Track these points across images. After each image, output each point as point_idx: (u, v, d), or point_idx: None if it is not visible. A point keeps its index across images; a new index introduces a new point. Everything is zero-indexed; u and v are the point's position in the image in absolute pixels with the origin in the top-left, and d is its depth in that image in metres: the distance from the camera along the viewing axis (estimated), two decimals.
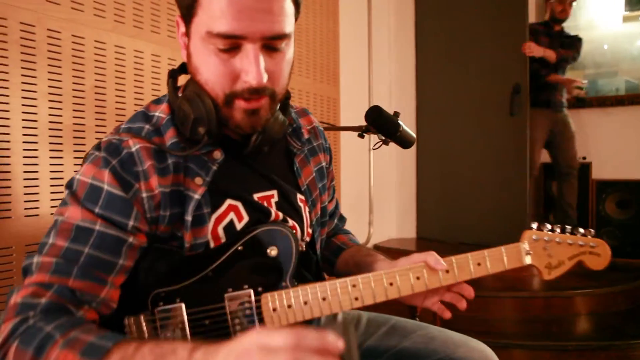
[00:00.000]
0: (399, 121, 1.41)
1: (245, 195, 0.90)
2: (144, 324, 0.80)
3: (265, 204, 0.92)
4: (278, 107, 0.89)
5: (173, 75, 0.90)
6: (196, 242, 0.84)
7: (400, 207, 3.88)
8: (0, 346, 0.67)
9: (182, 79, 0.91)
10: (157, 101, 0.91)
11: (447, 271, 0.92)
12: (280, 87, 0.85)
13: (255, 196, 0.91)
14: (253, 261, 0.85)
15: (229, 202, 0.88)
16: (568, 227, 0.98)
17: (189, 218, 0.82)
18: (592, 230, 0.99)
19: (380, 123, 1.37)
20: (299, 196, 0.99)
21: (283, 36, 0.80)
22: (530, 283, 2.92)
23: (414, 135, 1.46)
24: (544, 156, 3.66)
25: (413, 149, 3.83)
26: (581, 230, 0.98)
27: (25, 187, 1.44)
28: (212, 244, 0.86)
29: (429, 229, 3.82)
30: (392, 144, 1.51)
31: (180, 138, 0.84)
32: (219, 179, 0.87)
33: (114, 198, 0.77)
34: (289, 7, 0.80)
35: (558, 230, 0.98)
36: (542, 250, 0.96)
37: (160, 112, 0.87)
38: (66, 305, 0.71)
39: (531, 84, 3.25)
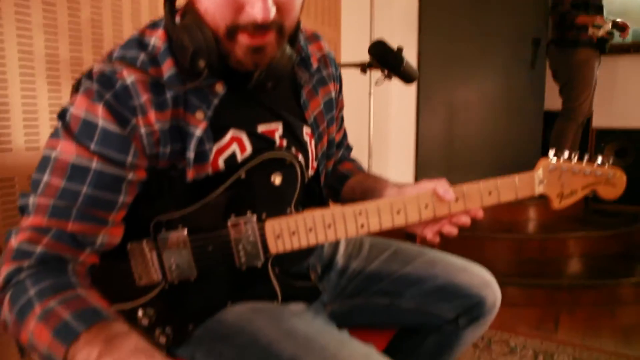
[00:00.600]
0: (402, 55, 1.39)
1: (250, 126, 0.86)
2: (146, 250, 0.79)
3: (269, 136, 0.89)
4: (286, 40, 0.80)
5: None
6: (198, 177, 0.81)
7: (399, 153, 3.89)
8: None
9: (181, 3, 0.84)
10: (153, 26, 0.82)
11: (457, 200, 0.89)
12: (290, 21, 0.77)
13: (260, 128, 0.87)
14: (257, 188, 0.83)
15: (232, 133, 0.83)
16: (585, 155, 0.94)
17: (191, 155, 0.78)
18: (611, 158, 0.95)
19: (383, 57, 1.35)
20: (305, 129, 0.95)
21: None
22: (526, 226, 2.98)
23: (416, 70, 1.44)
24: (547, 103, 3.64)
25: (414, 94, 3.80)
26: (599, 160, 0.94)
27: (24, 119, 1.43)
28: (210, 172, 0.83)
29: (428, 175, 3.85)
30: (394, 81, 1.50)
31: (179, 69, 0.77)
32: (221, 111, 0.81)
33: (109, 134, 0.72)
34: None
35: (575, 159, 0.93)
36: (556, 179, 0.93)
37: (157, 39, 0.79)
38: (63, 255, 0.70)
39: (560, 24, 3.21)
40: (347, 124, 1.20)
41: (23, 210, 0.73)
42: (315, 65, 0.96)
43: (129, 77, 0.74)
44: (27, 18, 1.41)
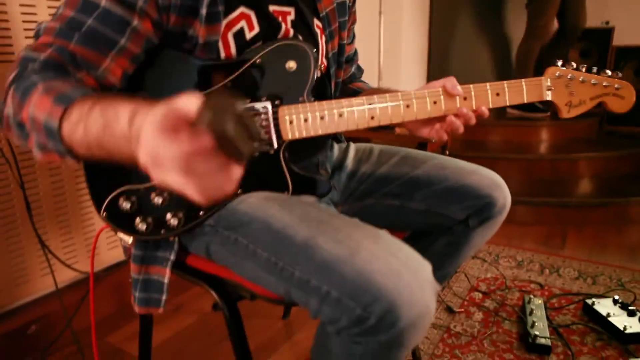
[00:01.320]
0: None
1: (261, 4, 0.86)
2: None
3: (279, 18, 0.89)
4: None
5: None
6: (210, 39, 0.81)
7: (410, 76, 3.80)
8: (6, 91, 0.72)
9: None
10: None
11: (465, 98, 0.90)
12: None
13: (271, 8, 0.87)
14: (271, 74, 0.85)
15: (242, 9, 0.84)
16: (594, 67, 0.96)
17: (203, 11, 0.79)
18: (619, 73, 0.96)
19: None
20: (316, 22, 0.95)
21: None
22: (537, 147, 2.94)
23: None
24: None
25: (427, 12, 3.64)
26: (608, 71, 0.96)
27: (24, 30, 1.39)
28: (221, 50, 0.84)
29: None
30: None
31: None
32: None
33: None
34: None
35: (583, 69, 0.95)
36: (564, 87, 0.95)
37: None
38: (64, 65, 0.72)
39: None
40: (358, 45, 1.17)
41: (36, 35, 0.77)
42: None
43: None
44: None
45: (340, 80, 1.09)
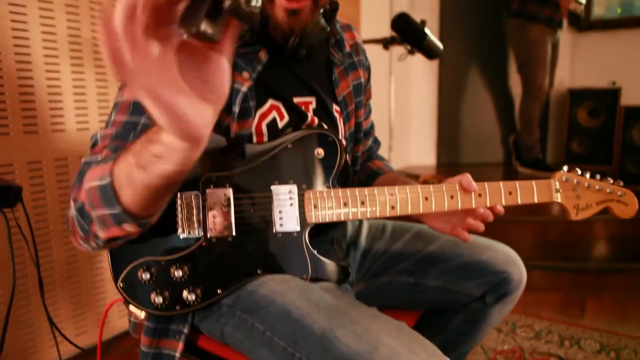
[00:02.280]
0: (425, 29, 1.35)
1: (286, 97, 0.92)
2: (194, 202, 0.84)
3: (303, 108, 0.94)
4: (321, 12, 0.88)
5: None
6: (241, 133, 0.87)
7: (420, 132, 3.86)
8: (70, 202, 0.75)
9: None
10: None
11: (480, 195, 0.93)
12: None
13: (295, 99, 0.93)
14: (300, 159, 0.88)
15: (271, 101, 0.91)
16: (597, 175, 1.01)
17: (236, 109, 0.85)
18: (621, 182, 1.02)
19: (407, 31, 1.32)
20: (335, 106, 1.00)
21: None
22: (550, 209, 2.91)
23: (440, 45, 1.40)
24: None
25: (435, 71, 3.74)
26: (610, 179, 1.02)
27: (49, 102, 1.44)
28: (254, 139, 0.88)
29: (450, 154, 3.85)
30: (415, 59, 1.46)
31: None
32: (262, 78, 0.89)
33: None
34: None
35: (587, 175, 1.00)
36: (571, 191, 0.99)
37: None
38: None
39: None
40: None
41: (94, 144, 0.82)
42: (347, 48, 1.04)
43: None
44: None
45: (359, 154, 1.12)
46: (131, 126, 0.79)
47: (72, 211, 0.73)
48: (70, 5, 1.46)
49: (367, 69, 1.11)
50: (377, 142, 1.25)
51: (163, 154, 0.59)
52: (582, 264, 2.44)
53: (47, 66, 1.43)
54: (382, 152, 1.22)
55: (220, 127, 0.85)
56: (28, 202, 1.38)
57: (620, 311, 2.18)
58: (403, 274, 1.04)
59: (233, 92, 0.86)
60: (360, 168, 1.16)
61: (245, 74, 0.87)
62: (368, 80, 1.12)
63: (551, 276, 2.43)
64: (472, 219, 0.94)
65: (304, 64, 0.95)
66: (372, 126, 1.21)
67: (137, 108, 0.80)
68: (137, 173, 0.64)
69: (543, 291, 2.38)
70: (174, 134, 0.53)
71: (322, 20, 0.89)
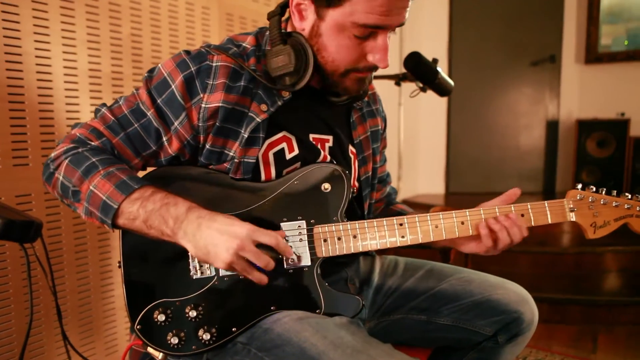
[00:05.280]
0: (437, 68, 1.38)
1: (301, 134, 0.95)
2: None
3: (318, 145, 0.96)
4: None
5: (282, 13, 0.93)
6: (245, 159, 0.89)
7: (429, 163, 3.87)
8: (55, 158, 0.86)
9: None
10: (243, 34, 0.98)
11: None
12: None
13: (312, 136, 0.96)
14: (307, 194, 0.90)
15: (284, 133, 0.94)
16: (614, 190, 0.98)
17: (245, 135, 0.89)
18: (639, 196, 0.98)
19: (419, 69, 1.35)
20: (351, 148, 1.03)
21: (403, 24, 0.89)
22: (560, 240, 2.90)
23: (452, 82, 1.43)
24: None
25: (444, 102, 3.78)
26: (627, 194, 0.98)
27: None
28: (261, 167, 0.91)
29: (459, 184, 3.86)
30: (429, 92, 1.49)
31: (259, 67, 0.92)
32: (281, 113, 0.92)
33: (174, 100, 0.88)
34: None
35: (603, 192, 0.97)
36: (587, 209, 0.96)
37: (247, 43, 0.95)
38: (108, 154, 0.87)
39: None
40: None
41: (95, 113, 0.91)
42: (366, 98, 1.08)
43: (217, 61, 0.89)
44: (72, 35, 1.46)
45: (374, 201, 1.14)
46: (125, 125, 0.88)
47: (62, 181, 0.84)
48: (92, 42, 1.51)
49: (384, 119, 1.16)
50: (394, 190, 1.28)
51: (169, 237, 0.79)
52: (593, 297, 2.41)
53: (68, 99, 1.47)
54: (392, 181, 1.25)
55: (224, 156, 0.90)
56: (44, 232, 1.41)
57: (633, 346, 2.15)
58: (415, 312, 1.04)
59: (245, 119, 0.89)
60: (381, 214, 1.18)
61: (264, 107, 0.90)
62: (384, 129, 1.16)
63: (561, 309, 2.40)
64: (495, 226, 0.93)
65: (324, 106, 0.98)
66: (388, 175, 1.24)
67: (138, 110, 0.89)
68: (140, 223, 0.80)
69: (553, 323, 2.36)
70: (196, 257, 0.81)
71: None
